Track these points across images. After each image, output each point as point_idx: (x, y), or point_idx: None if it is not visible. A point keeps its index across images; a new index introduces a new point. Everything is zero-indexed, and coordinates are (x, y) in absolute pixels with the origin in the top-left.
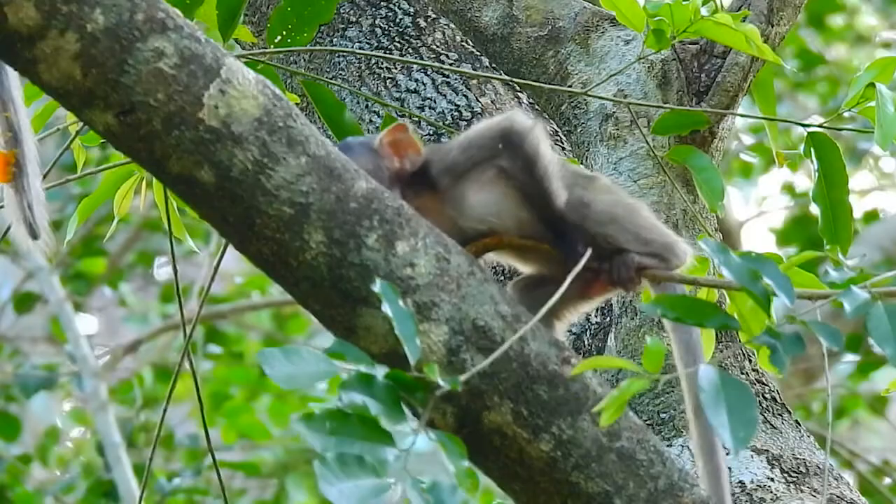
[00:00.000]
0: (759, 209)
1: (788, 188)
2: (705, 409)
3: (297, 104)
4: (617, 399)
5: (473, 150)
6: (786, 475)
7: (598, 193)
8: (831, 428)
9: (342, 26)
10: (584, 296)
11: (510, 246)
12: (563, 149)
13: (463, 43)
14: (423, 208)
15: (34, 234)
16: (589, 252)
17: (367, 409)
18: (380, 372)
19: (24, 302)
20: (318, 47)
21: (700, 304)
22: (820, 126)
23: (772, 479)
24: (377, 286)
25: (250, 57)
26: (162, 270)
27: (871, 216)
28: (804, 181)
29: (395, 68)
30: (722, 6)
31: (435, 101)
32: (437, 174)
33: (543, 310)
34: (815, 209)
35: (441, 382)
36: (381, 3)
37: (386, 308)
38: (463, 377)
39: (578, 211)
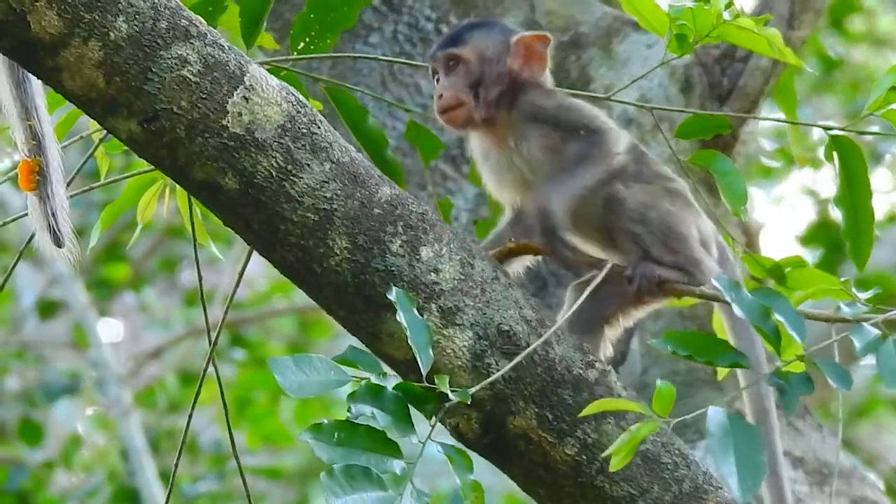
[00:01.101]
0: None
1: (810, 192)
2: (713, 453)
3: (320, 111)
4: (628, 443)
5: (566, 115)
6: (809, 477)
7: (638, 193)
8: (842, 428)
9: (364, 32)
10: (636, 302)
11: (533, 252)
12: None
13: None
14: (494, 120)
15: (58, 242)
16: (610, 264)
17: (376, 419)
18: (390, 383)
19: (48, 309)
20: (340, 54)
21: (710, 341)
22: (842, 129)
23: (795, 481)
24: (393, 294)
25: (273, 63)
26: (186, 275)
27: (893, 218)
28: (827, 185)
29: (418, 74)
30: (743, 10)
31: None
32: (527, 104)
33: (566, 315)
34: (837, 213)
35: (451, 395)
36: (404, 10)
37: (400, 317)
38: (472, 389)
39: (611, 206)
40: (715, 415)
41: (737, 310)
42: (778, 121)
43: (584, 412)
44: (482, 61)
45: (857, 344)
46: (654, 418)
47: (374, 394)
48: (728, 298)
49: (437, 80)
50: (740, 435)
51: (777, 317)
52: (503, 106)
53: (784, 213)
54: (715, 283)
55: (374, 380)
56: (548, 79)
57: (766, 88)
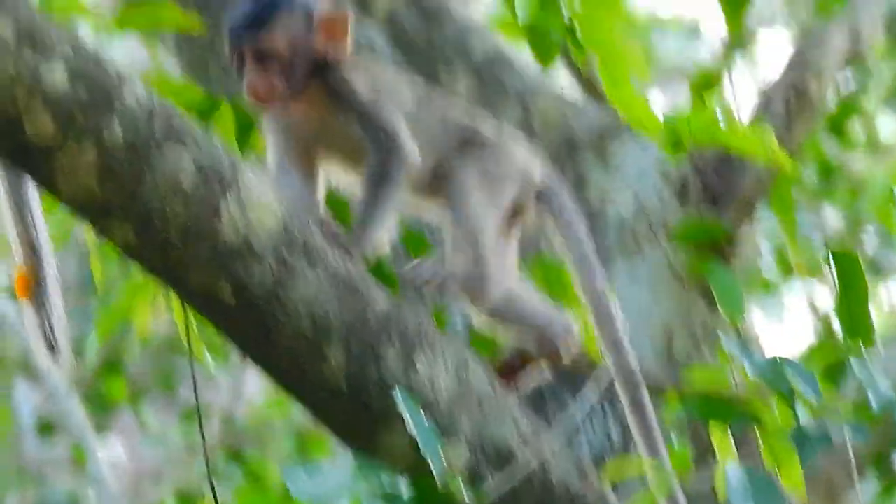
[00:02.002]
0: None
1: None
2: None
3: None
4: None
5: (376, 113)
6: None
7: (472, 175)
8: None
9: None
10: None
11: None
12: None
13: None
14: (305, 97)
15: (54, 353)
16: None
17: None
18: (405, 490)
19: (48, 428)
20: None
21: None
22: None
23: None
24: (397, 396)
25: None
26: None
27: None
28: (826, 292)
29: None
30: (738, 114)
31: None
32: (339, 81)
33: (561, 430)
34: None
35: (468, 499)
36: None
37: (407, 419)
38: None
39: (445, 180)
40: (733, 472)
41: (751, 372)
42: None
43: (607, 476)
44: (292, 45)
45: (874, 404)
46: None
47: (390, 502)
48: (742, 363)
49: (240, 64)
50: (761, 490)
51: (790, 375)
52: (311, 78)
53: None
54: (727, 346)
55: (388, 487)
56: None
57: (763, 193)
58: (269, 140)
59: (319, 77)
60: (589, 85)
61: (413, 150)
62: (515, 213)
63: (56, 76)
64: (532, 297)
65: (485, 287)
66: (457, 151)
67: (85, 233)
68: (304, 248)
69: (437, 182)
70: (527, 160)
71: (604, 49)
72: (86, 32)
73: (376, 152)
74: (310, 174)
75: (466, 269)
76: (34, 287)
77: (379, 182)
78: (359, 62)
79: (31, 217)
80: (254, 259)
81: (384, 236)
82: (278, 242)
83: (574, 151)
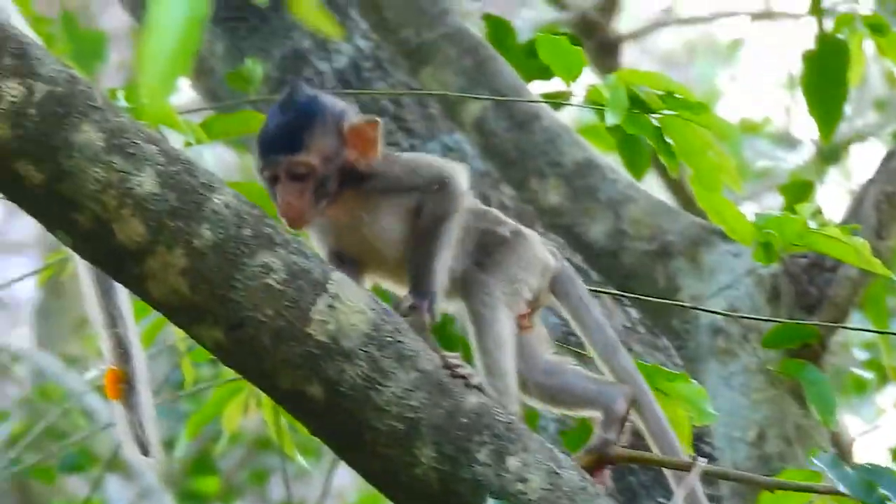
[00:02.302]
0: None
1: None
2: None
3: None
4: None
5: (414, 176)
6: None
7: (498, 285)
8: None
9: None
10: None
11: (622, 461)
12: (674, 364)
13: (571, 257)
14: (340, 201)
15: (145, 452)
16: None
17: None
18: None
19: None
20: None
21: None
22: None
23: None
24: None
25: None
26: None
27: None
28: None
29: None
30: (831, 219)
31: (545, 318)
32: (375, 181)
33: None
34: None
35: None
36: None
37: None
38: None
39: (470, 286)
40: None
41: (841, 486)
42: (868, 331)
43: None
44: (325, 162)
45: None
46: None
47: None
48: (831, 476)
49: (272, 179)
50: None
51: (883, 491)
52: (345, 187)
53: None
54: (816, 461)
55: None
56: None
57: (856, 298)
58: (314, 242)
59: (351, 183)
60: (680, 191)
61: (463, 179)
62: (533, 302)
63: (146, 182)
64: (574, 374)
65: (509, 401)
66: (477, 254)
67: (175, 333)
68: (394, 349)
69: (457, 285)
70: (542, 250)
71: (694, 156)
72: (175, 138)
73: (429, 197)
74: (354, 273)
75: (492, 382)
76: (124, 387)
77: (436, 223)
78: (387, 156)
79: (121, 318)
80: (345, 360)
81: (445, 278)
82: (369, 343)
83: (666, 258)
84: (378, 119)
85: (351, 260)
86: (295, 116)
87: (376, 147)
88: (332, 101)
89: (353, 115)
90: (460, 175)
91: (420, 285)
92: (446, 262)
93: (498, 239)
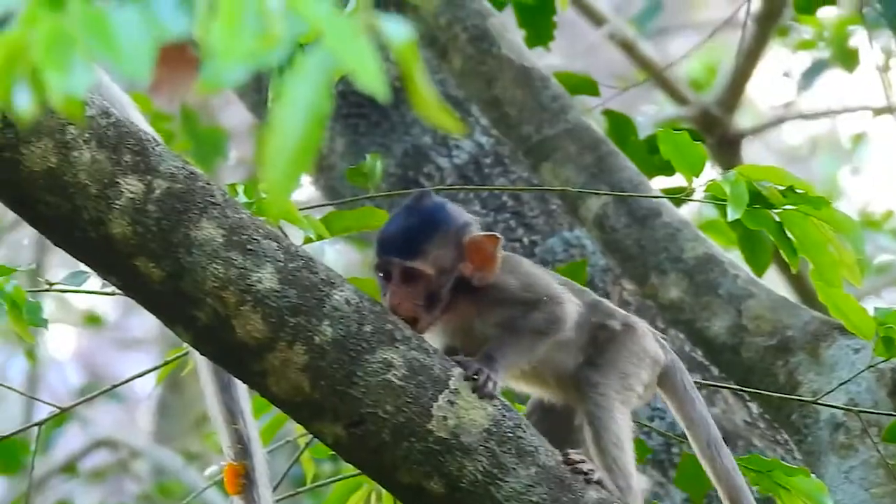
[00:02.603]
0: None
1: None
2: None
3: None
4: None
5: (530, 292)
6: None
7: (612, 385)
8: None
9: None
10: None
11: None
12: (794, 458)
13: (692, 353)
14: (453, 306)
15: None
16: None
17: None
18: None
19: None
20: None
21: None
22: None
23: None
24: None
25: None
26: None
27: None
28: None
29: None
30: None
31: (665, 413)
32: (491, 291)
33: None
34: None
35: None
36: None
37: None
38: None
39: (583, 386)
40: None
41: None
42: None
43: None
44: (439, 273)
45: None
46: None
47: None
48: None
49: (385, 275)
50: None
51: None
52: (459, 294)
53: None
54: None
55: None
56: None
57: None
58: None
59: (466, 290)
60: (801, 286)
61: (572, 311)
62: (643, 395)
63: (266, 279)
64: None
65: (633, 499)
66: (591, 348)
67: (295, 428)
68: (514, 444)
69: (569, 383)
70: (652, 342)
71: (815, 251)
72: (296, 234)
73: (538, 312)
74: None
75: (615, 480)
76: (244, 482)
77: (532, 332)
78: (506, 260)
79: (241, 413)
80: (465, 455)
81: (516, 369)
82: (489, 438)
83: (787, 353)
84: (499, 235)
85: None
86: (418, 222)
87: (494, 263)
88: (458, 213)
89: (475, 229)
90: (570, 306)
91: (492, 355)
92: (523, 359)
93: (609, 333)
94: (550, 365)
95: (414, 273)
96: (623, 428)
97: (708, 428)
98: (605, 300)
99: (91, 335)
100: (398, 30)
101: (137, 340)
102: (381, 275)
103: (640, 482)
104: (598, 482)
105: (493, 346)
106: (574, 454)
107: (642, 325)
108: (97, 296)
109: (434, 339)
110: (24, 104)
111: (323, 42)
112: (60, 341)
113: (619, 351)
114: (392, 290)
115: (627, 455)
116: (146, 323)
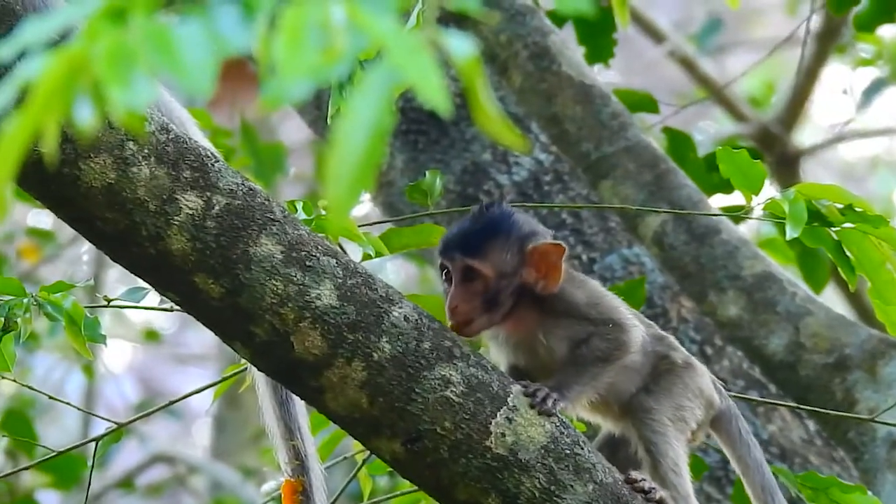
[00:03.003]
0: None
1: None
2: None
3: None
4: None
5: (596, 311)
6: None
7: (664, 411)
8: None
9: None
10: None
11: None
12: (851, 476)
13: (750, 370)
14: (518, 316)
15: None
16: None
17: None
18: None
19: None
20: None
21: None
22: None
23: None
24: None
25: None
26: None
27: None
28: None
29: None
30: None
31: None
32: (557, 302)
33: None
34: None
35: None
36: (668, 330)
37: None
38: None
39: (638, 412)
40: None
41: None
42: None
43: None
44: (499, 276)
45: None
46: None
47: None
48: None
49: (447, 277)
50: None
51: None
52: (523, 303)
53: None
54: None
55: None
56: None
57: None
58: (493, 354)
59: (531, 299)
60: (858, 304)
61: (637, 337)
62: (694, 435)
63: (325, 295)
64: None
65: None
66: (649, 377)
67: (352, 445)
68: (572, 461)
69: (625, 409)
70: (710, 385)
71: (873, 269)
72: (355, 251)
73: (602, 338)
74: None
75: (673, 502)
76: (301, 498)
77: (596, 359)
78: (573, 276)
79: (298, 429)
80: (522, 472)
81: (582, 405)
82: (547, 455)
83: (844, 371)
84: (563, 244)
85: (529, 375)
86: (483, 225)
87: (558, 272)
88: (525, 221)
89: (542, 238)
90: (636, 331)
91: (561, 384)
92: (590, 389)
93: (669, 365)
94: (614, 390)
95: (473, 271)
96: (680, 455)
97: (763, 474)
98: (670, 336)
99: (146, 350)
100: (461, 45)
101: (193, 355)
102: (444, 277)
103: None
104: (660, 501)
105: (560, 375)
106: (635, 473)
107: (702, 367)
108: (153, 311)
109: (499, 358)
110: (85, 119)
111: (385, 57)
112: (116, 356)
113: (676, 383)
114: (452, 292)
115: (686, 481)
116: (202, 338)
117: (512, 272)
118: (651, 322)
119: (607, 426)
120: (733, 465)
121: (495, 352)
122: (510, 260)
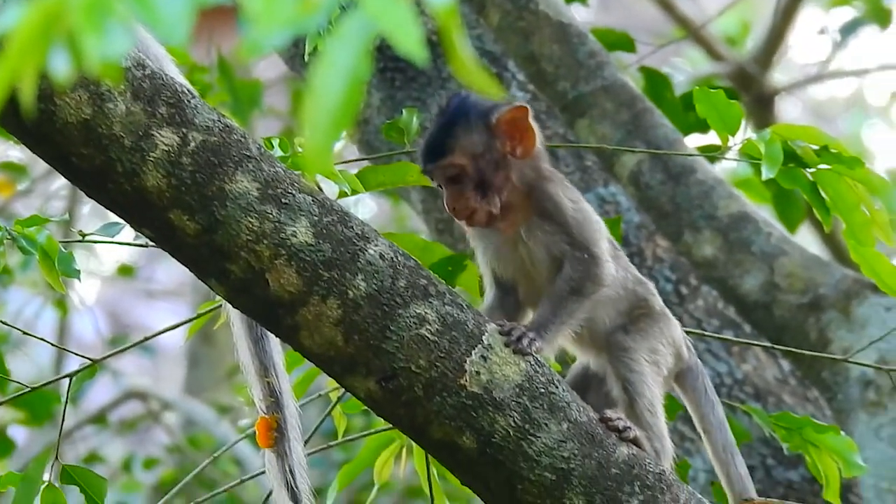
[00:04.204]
0: None
1: None
2: None
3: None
4: None
5: (578, 229)
6: None
7: (641, 351)
8: None
9: None
10: None
11: None
12: (824, 415)
13: (724, 310)
14: (510, 212)
15: (296, 500)
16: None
17: None
18: None
19: None
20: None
21: None
22: None
23: None
24: None
25: None
26: None
27: None
28: None
29: None
30: None
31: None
32: (544, 196)
33: None
34: None
35: None
36: (643, 271)
37: None
38: None
39: (615, 350)
40: None
41: None
42: None
43: None
44: (475, 159)
45: None
46: None
47: None
48: None
49: (440, 187)
50: None
51: None
52: (519, 185)
53: None
54: None
55: None
56: (542, 152)
57: None
58: (479, 264)
59: (524, 193)
60: (833, 244)
61: (610, 273)
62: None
63: (301, 232)
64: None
65: (663, 458)
66: (626, 317)
67: (327, 383)
68: (546, 400)
69: (602, 342)
70: (681, 337)
71: (847, 210)
72: (330, 188)
73: (574, 267)
74: (514, 306)
75: (651, 443)
76: (276, 435)
77: (571, 294)
78: (564, 180)
79: (273, 367)
80: (497, 411)
81: (559, 344)
82: (521, 394)
83: (818, 311)
84: (525, 105)
85: (512, 289)
86: (443, 123)
87: (530, 132)
88: (481, 100)
89: (502, 107)
90: (608, 266)
91: (539, 325)
92: (567, 329)
93: (647, 310)
94: (591, 325)
95: (451, 168)
96: (656, 395)
97: (725, 433)
98: (650, 283)
99: (114, 284)
100: None
101: (162, 290)
102: (436, 186)
103: (671, 445)
104: (634, 440)
105: (536, 316)
106: (610, 412)
107: (675, 320)
108: (121, 246)
109: (485, 270)
110: (61, 68)
111: (362, 5)
112: (85, 290)
113: (652, 326)
114: (445, 196)
115: (661, 421)
116: (170, 272)
117: (485, 149)
118: (630, 264)
119: (585, 359)
120: (696, 422)
121: (482, 262)
122: (478, 139)
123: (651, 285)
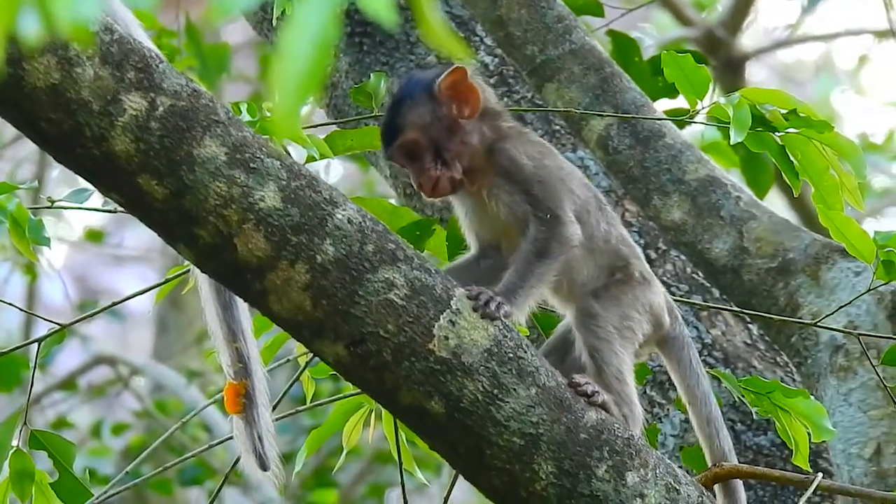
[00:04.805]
0: None
1: None
2: None
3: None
4: None
5: (539, 188)
6: None
7: (611, 319)
8: None
9: None
10: None
11: (739, 476)
12: (794, 380)
13: (693, 274)
14: (475, 175)
15: (264, 466)
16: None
17: None
18: None
19: None
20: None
21: None
22: None
23: None
24: None
25: None
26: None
27: None
28: None
29: None
30: None
31: None
32: (503, 156)
33: None
34: None
35: None
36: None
37: None
38: None
39: (583, 317)
40: None
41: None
42: None
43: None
44: (426, 131)
45: None
46: None
47: None
48: None
49: (404, 167)
50: None
51: None
52: (479, 146)
53: None
54: None
55: None
56: (492, 102)
57: None
58: (463, 229)
59: (485, 154)
60: (802, 208)
61: (576, 234)
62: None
63: (269, 197)
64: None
65: (632, 425)
66: (606, 274)
67: (295, 347)
68: (515, 364)
69: (575, 297)
70: (661, 304)
71: (816, 174)
72: (299, 153)
73: (538, 228)
74: (487, 252)
75: (620, 408)
76: (244, 401)
77: (536, 257)
78: (528, 136)
79: (242, 332)
80: (465, 376)
81: (529, 308)
82: (490, 359)
83: (788, 275)
84: (462, 65)
85: (495, 250)
86: (391, 105)
87: (473, 91)
88: (423, 73)
89: (441, 74)
90: (573, 227)
91: (507, 289)
92: (536, 292)
93: (626, 275)
94: (566, 273)
95: (406, 147)
96: (625, 362)
97: (710, 406)
98: (637, 247)
99: (81, 248)
100: None
101: (129, 255)
102: (403, 168)
103: (641, 411)
104: (602, 405)
105: (504, 280)
106: (578, 377)
107: (660, 286)
108: (89, 211)
109: (467, 232)
110: (30, 30)
111: None
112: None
113: (626, 293)
114: (410, 175)
115: (630, 388)
116: (138, 237)
117: (433, 118)
118: (616, 217)
119: (565, 312)
120: (681, 393)
121: (463, 224)
122: (424, 110)
123: (638, 250)
